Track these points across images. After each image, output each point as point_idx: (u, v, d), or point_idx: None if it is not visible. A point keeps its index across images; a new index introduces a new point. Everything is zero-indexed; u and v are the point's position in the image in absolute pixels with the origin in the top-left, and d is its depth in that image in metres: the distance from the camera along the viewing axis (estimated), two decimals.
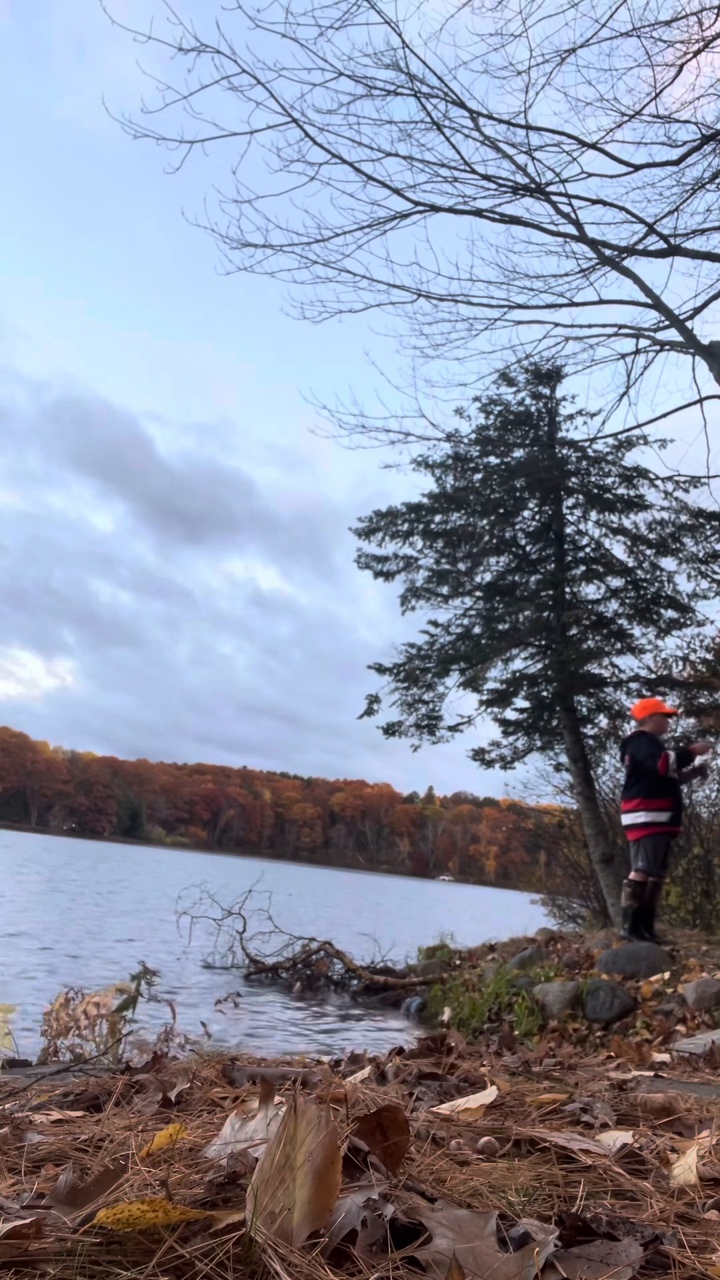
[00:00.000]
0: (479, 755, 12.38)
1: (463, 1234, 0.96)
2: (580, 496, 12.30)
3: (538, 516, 12.61)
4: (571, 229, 8.84)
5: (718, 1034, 4.38)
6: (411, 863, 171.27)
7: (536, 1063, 3.02)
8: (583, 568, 12.41)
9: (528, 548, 12.64)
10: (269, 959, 9.79)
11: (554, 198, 8.63)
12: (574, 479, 12.26)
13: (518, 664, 12.25)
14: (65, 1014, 3.64)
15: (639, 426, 10.83)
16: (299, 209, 15.53)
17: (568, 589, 12.17)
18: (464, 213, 8.69)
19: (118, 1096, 1.70)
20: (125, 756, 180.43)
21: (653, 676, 11.68)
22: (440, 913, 29.38)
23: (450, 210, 8.62)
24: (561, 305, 9.46)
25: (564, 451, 12.46)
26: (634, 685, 11.70)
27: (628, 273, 9.09)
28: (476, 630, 12.28)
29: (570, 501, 12.45)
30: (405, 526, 12.36)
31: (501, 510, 12.24)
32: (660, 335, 9.63)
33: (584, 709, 12.03)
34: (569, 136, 8.31)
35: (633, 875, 7.40)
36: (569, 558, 12.38)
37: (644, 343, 9.82)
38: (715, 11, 7.50)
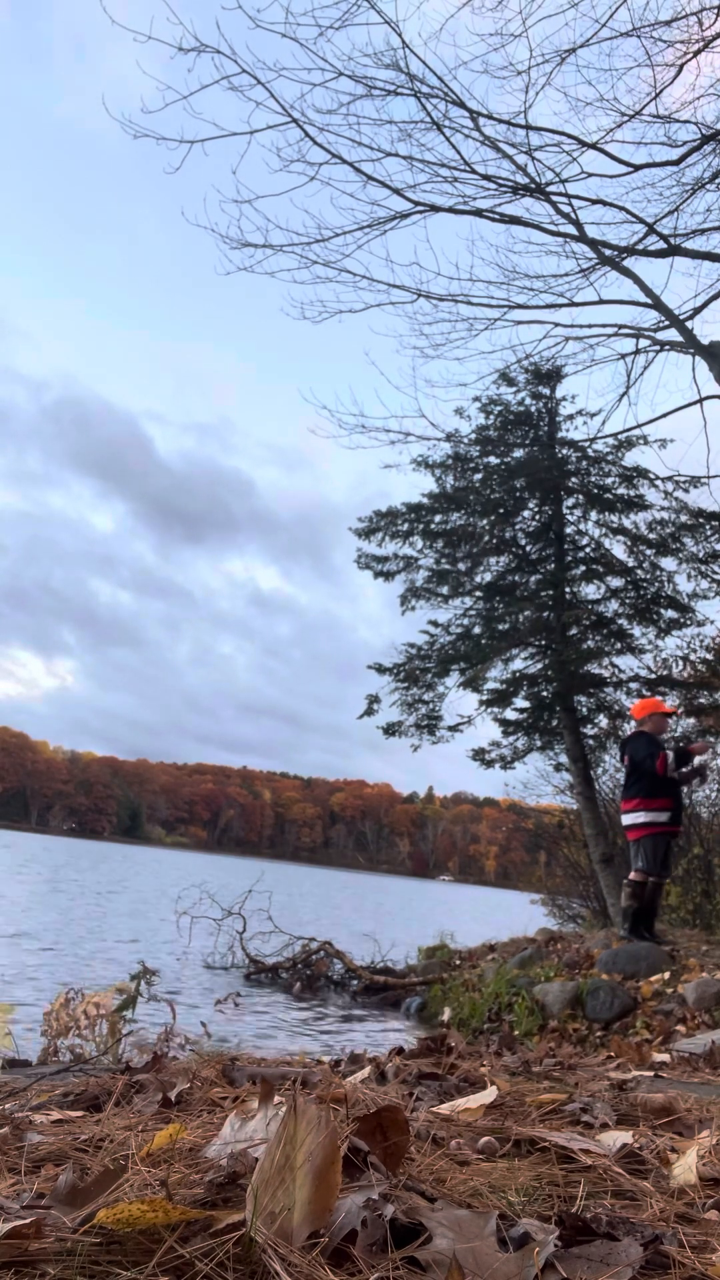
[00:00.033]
0: (479, 755, 12.38)
1: (463, 1234, 0.96)
2: (580, 496, 12.30)
3: (538, 516, 12.61)
4: (571, 229, 8.84)
5: (718, 1034, 4.38)
6: (411, 863, 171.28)
7: (536, 1063, 3.02)
8: (583, 568, 12.41)
9: (528, 548, 12.64)
10: (269, 959, 9.79)
11: (554, 198, 8.63)
12: (574, 479, 12.26)
13: (518, 664, 12.27)
14: (65, 1014, 3.64)
15: (639, 426, 10.84)
16: (299, 209, 15.54)
17: (568, 589, 12.17)
18: (464, 213, 8.69)
19: (118, 1096, 1.70)
20: (125, 756, 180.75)
21: (653, 676, 11.69)
22: (440, 913, 29.38)
23: (450, 210, 8.62)
24: (561, 305, 9.47)
25: (564, 451, 12.46)
26: (634, 685, 11.70)
27: (628, 273, 9.09)
28: (476, 630, 12.28)
29: (570, 501, 12.45)
30: (405, 526, 12.36)
31: (501, 510, 12.25)
32: (660, 335, 9.64)
33: (584, 709, 12.03)
34: (569, 136, 8.31)
35: (632, 875, 7.40)
36: (569, 558, 12.38)
37: (644, 343, 9.82)
38: (715, 11, 7.50)
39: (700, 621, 11.71)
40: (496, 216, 8.73)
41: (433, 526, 12.32)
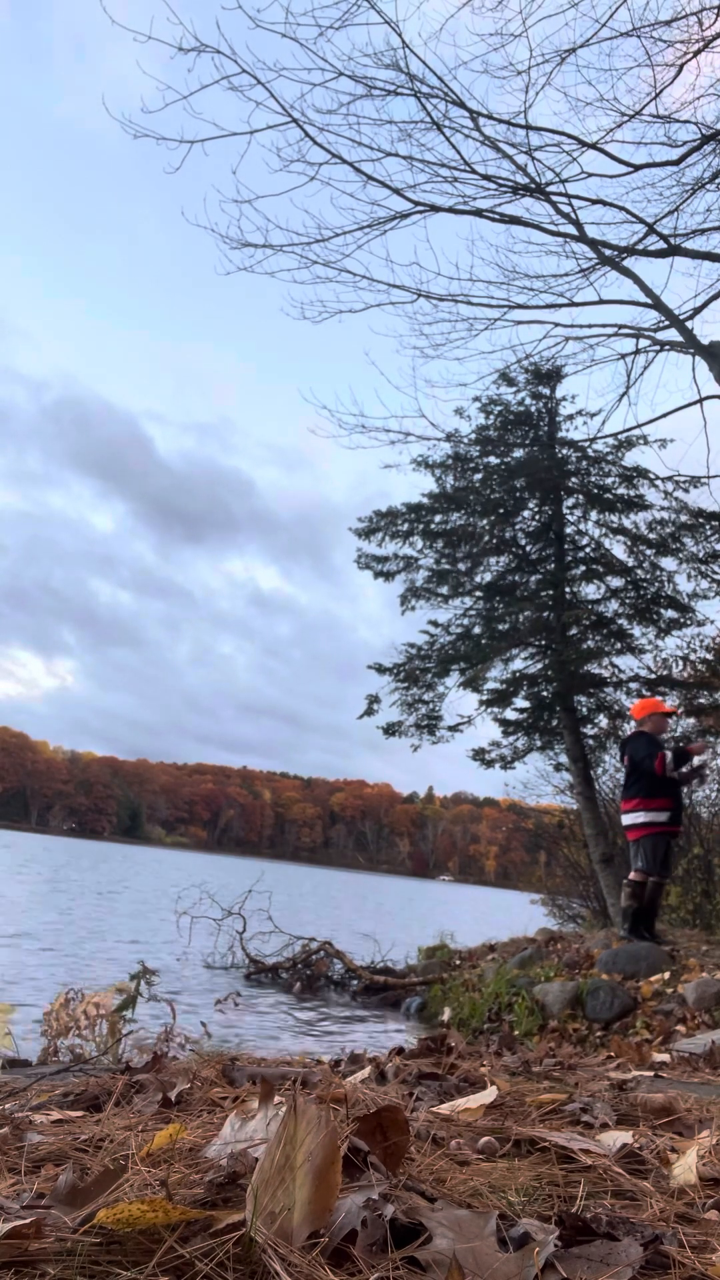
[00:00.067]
0: (479, 755, 12.39)
1: (463, 1234, 0.96)
2: (580, 496, 12.30)
3: (538, 516, 12.61)
4: (571, 229, 8.84)
5: (718, 1034, 4.38)
6: (411, 863, 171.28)
7: (536, 1063, 3.02)
8: (583, 568, 12.41)
9: (528, 548, 12.64)
10: (269, 959, 9.79)
11: (554, 198, 8.63)
12: (574, 479, 12.26)
13: (518, 664, 12.27)
14: (65, 1014, 3.64)
15: (639, 426, 10.84)
16: (299, 209, 15.54)
17: (568, 589, 12.17)
18: (464, 213, 8.69)
19: (118, 1096, 1.70)
20: (125, 756, 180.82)
21: (653, 676, 11.69)
22: (440, 913, 29.38)
23: (450, 210, 8.62)
24: (561, 305, 9.47)
25: (564, 451, 12.46)
26: (634, 685, 11.71)
27: (628, 273, 9.09)
28: (476, 630, 12.28)
29: (570, 501, 12.45)
30: (405, 526, 12.36)
31: (501, 510, 12.25)
32: (660, 335, 9.64)
33: (584, 709, 12.03)
34: (569, 136, 8.31)
35: (632, 875, 7.40)
36: (569, 558, 12.38)
37: (644, 343, 9.82)
38: (715, 11, 7.50)
39: (700, 621, 11.72)
40: (496, 216, 8.74)
41: (433, 526, 12.32)
